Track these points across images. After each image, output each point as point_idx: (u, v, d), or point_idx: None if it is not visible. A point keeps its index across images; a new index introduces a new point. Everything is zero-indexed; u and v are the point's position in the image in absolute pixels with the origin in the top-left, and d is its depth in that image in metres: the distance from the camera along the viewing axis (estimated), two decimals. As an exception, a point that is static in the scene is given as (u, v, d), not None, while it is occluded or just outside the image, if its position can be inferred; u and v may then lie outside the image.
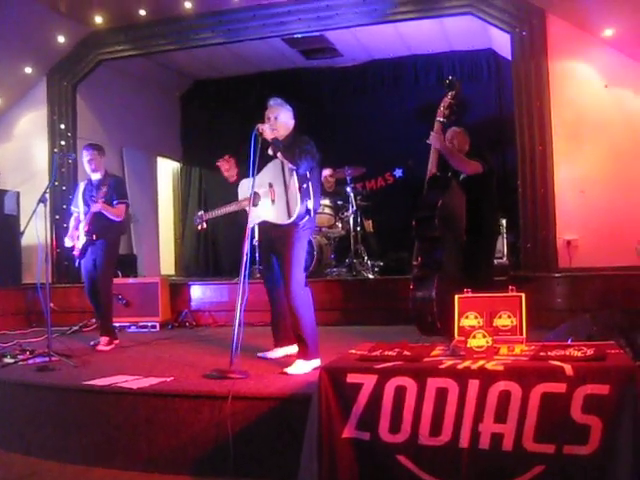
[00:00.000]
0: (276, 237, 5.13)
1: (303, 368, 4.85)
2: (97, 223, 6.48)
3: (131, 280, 8.74)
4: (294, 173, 4.94)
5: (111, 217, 6.49)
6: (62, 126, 9.78)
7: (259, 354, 5.54)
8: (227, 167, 5.45)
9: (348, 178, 9.40)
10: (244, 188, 5.39)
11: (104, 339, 6.56)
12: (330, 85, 12.01)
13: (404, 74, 11.58)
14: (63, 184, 9.55)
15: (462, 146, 5.96)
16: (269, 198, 5.11)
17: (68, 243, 6.67)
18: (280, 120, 5.15)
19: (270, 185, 5.11)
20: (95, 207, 6.42)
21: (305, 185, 4.98)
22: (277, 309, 5.49)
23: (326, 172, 9.79)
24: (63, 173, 9.59)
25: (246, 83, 11.90)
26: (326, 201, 9.34)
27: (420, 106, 10.88)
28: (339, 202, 9.53)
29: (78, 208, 6.67)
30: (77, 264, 6.68)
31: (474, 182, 5.70)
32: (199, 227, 5.78)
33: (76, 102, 9.99)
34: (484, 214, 5.76)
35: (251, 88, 11.78)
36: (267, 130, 4.99)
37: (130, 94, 11.38)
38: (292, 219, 4.95)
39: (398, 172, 11.53)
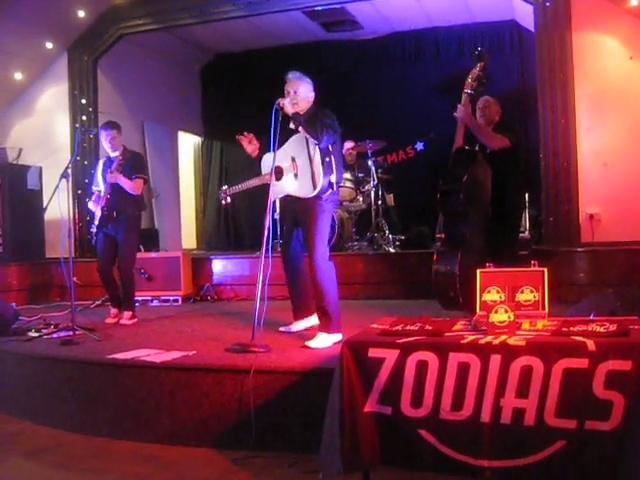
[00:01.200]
0: (300, 210, 5.17)
1: (325, 341, 4.88)
2: (117, 198, 6.47)
3: (153, 254, 8.79)
4: (316, 147, 4.94)
5: (128, 190, 6.48)
6: (83, 101, 9.80)
7: (281, 328, 5.57)
8: (247, 142, 5.45)
9: (369, 151, 9.39)
10: (267, 162, 5.39)
11: (127, 313, 6.61)
12: (351, 58, 11.93)
13: (425, 46, 11.51)
14: (85, 159, 9.58)
15: (493, 116, 5.88)
16: (292, 172, 5.12)
17: (92, 207, 6.63)
18: (300, 93, 5.13)
19: (293, 159, 5.10)
20: (111, 177, 6.41)
21: (328, 159, 4.99)
22: (297, 281, 5.50)
23: (347, 145, 9.78)
24: (85, 148, 9.62)
25: (267, 57, 11.83)
26: (347, 174, 9.34)
27: (441, 79, 10.82)
28: (360, 175, 9.53)
29: (98, 186, 6.65)
30: (94, 241, 6.69)
31: (501, 156, 5.63)
32: (223, 202, 5.81)
33: (97, 77, 10.00)
34: (510, 189, 5.70)
35: (272, 61, 11.67)
36: (287, 104, 4.99)
37: (151, 68, 11.39)
38: (316, 192, 4.97)
39: (419, 145, 11.48)
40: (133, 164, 6.58)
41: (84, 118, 9.76)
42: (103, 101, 10.07)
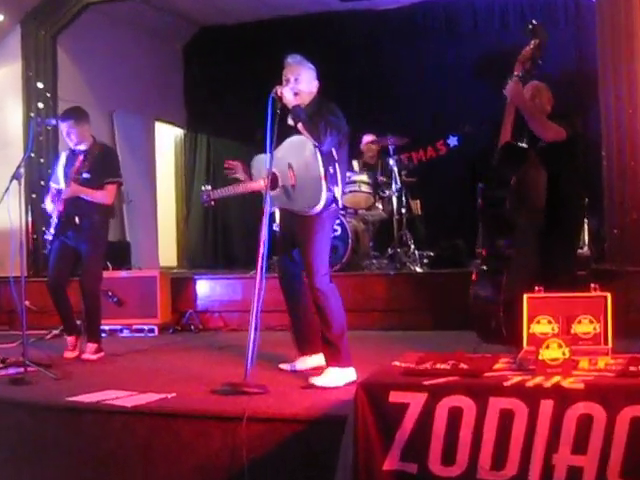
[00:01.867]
0: (296, 226, 5.22)
1: (336, 378, 4.91)
2: (79, 200, 6.46)
3: (124, 273, 8.82)
4: (318, 152, 4.96)
5: (96, 201, 6.48)
6: (40, 85, 9.85)
7: (281, 365, 5.57)
8: (235, 173, 5.59)
9: (391, 148, 9.41)
10: (259, 165, 5.40)
11: (91, 346, 6.60)
12: (369, 33, 11.97)
13: (460, 18, 11.54)
14: (41, 156, 9.63)
15: (545, 106, 5.85)
16: (289, 183, 5.14)
17: (49, 207, 6.58)
18: (302, 82, 5.16)
19: (290, 166, 5.11)
20: (66, 192, 6.39)
21: (332, 169, 5.04)
22: (299, 307, 5.52)
23: (367, 138, 9.78)
24: (41, 142, 9.66)
25: (266, 31, 11.89)
26: (363, 176, 9.35)
27: (480, 58, 10.83)
28: (380, 178, 9.51)
29: (58, 184, 6.60)
30: (47, 250, 6.69)
31: (555, 152, 5.58)
32: (205, 204, 5.81)
33: (57, 56, 10.09)
34: (567, 194, 5.66)
35: (272, 38, 11.72)
36: (287, 93, 5.01)
37: (122, 45, 11.46)
38: (317, 209, 5.02)
39: (453, 140, 11.51)
40: (103, 164, 6.57)
41: (40, 106, 9.81)
42: (64, 85, 10.14)
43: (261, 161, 5.34)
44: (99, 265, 6.76)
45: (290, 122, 5.13)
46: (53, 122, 8.83)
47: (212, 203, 5.79)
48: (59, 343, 7.33)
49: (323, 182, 4.97)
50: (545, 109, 5.84)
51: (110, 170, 6.64)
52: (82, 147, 6.55)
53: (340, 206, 5.24)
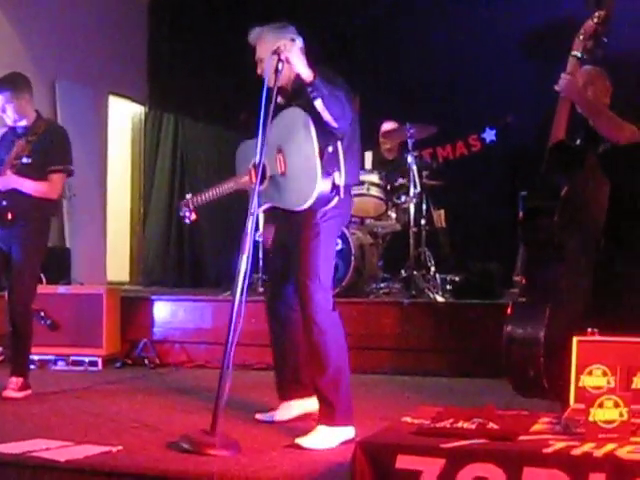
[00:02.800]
0: (289, 231, 5.18)
1: (327, 439, 4.87)
2: (14, 193, 6.42)
3: (61, 289, 8.81)
4: (312, 129, 4.91)
5: (38, 195, 6.46)
6: (-37, 46, 9.89)
7: (258, 415, 5.57)
8: None
9: (410, 141, 9.37)
10: (243, 155, 5.40)
11: (15, 380, 6.57)
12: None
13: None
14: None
15: (601, 98, 5.88)
16: (277, 170, 5.07)
17: None
18: (292, 57, 5.10)
19: (279, 149, 5.07)
20: (4, 181, 6.34)
21: (332, 147, 4.92)
22: (287, 341, 5.51)
23: (387, 125, 9.76)
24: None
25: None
26: (373, 176, 9.31)
27: (528, 32, 10.85)
28: (398, 179, 9.50)
29: None
30: None
31: (622, 157, 5.61)
32: (187, 220, 5.78)
33: (-13, 11, 10.10)
34: (636, 210, 5.68)
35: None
36: (295, 55, 4.89)
37: (70, 1, 11.45)
38: (308, 203, 4.89)
39: (489, 134, 11.54)
40: (50, 147, 6.56)
41: (-30, 74, 9.84)
42: (-2, 49, 10.15)
43: (247, 150, 5.34)
44: (33, 277, 6.74)
45: (280, 100, 5.09)
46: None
47: (193, 217, 5.72)
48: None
49: (318, 163, 4.83)
50: (602, 102, 5.84)
51: (58, 155, 6.63)
52: (22, 123, 6.55)
53: (346, 198, 5.06)
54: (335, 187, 4.93)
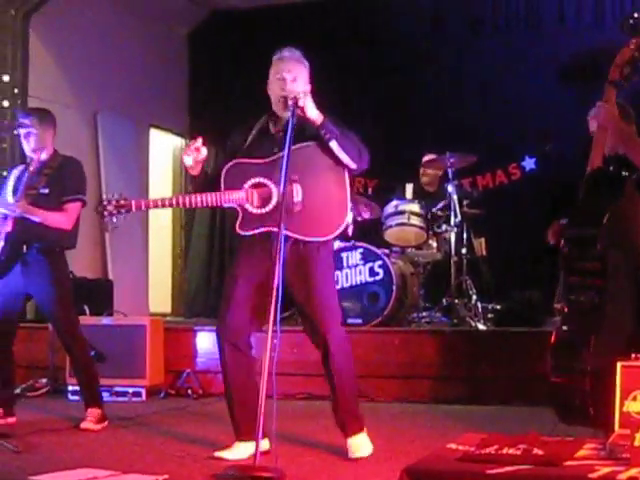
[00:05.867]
0: (292, 259, 5.14)
1: (368, 444, 5.08)
2: (28, 224, 6.31)
3: (105, 321, 8.81)
4: (345, 169, 5.11)
5: (54, 225, 6.38)
6: (5, 78, 9.89)
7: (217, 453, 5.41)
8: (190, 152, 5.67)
9: (449, 171, 9.37)
10: (239, 176, 5.37)
11: (94, 412, 6.50)
12: (416, 22, 11.99)
13: (544, 9, 11.54)
14: (2, 167, 9.65)
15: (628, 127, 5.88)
16: (292, 199, 5.12)
17: None
18: (299, 84, 5.24)
19: (293, 180, 5.12)
20: (11, 209, 6.26)
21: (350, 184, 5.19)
22: (239, 372, 5.78)
23: (426, 158, 9.75)
24: (4, 151, 9.71)
25: (292, 16, 11.90)
26: (414, 206, 9.31)
27: (567, 59, 10.83)
28: (438, 210, 9.50)
29: (5, 207, 6.41)
30: None
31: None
32: (110, 227, 5.60)
33: (28, 41, 10.10)
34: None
35: (300, 24, 11.75)
36: (309, 102, 5.07)
37: (112, 32, 11.52)
38: (335, 233, 5.13)
39: (529, 163, 11.50)
40: (65, 177, 6.53)
41: (5, 104, 9.84)
42: (36, 79, 10.19)
43: (244, 171, 5.34)
44: (66, 306, 6.61)
45: (273, 130, 5.38)
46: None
47: (114, 220, 5.50)
48: (21, 405, 7.24)
49: (348, 195, 5.12)
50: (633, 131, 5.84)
51: (73, 185, 6.58)
52: (42, 157, 6.49)
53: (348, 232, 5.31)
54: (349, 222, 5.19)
